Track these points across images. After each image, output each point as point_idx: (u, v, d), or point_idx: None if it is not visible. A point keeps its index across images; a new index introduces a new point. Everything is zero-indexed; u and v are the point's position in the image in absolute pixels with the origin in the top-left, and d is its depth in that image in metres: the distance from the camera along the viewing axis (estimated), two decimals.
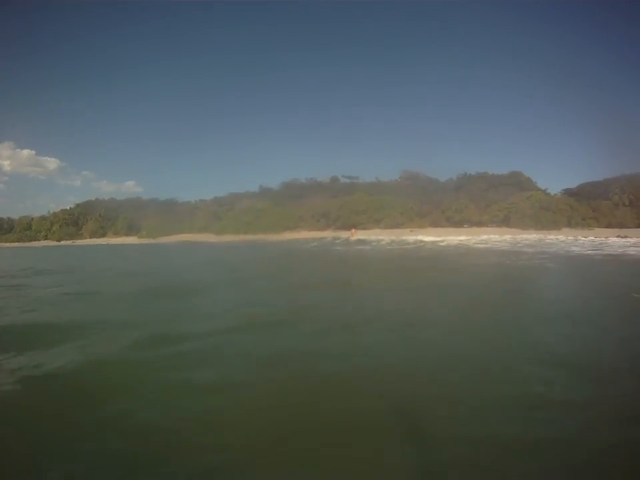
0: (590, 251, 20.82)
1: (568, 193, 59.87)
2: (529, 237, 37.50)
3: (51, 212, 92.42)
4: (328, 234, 57.05)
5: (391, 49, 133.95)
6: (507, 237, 38.58)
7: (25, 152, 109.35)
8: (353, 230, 56.17)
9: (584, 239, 35.27)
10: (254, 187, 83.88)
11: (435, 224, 57.68)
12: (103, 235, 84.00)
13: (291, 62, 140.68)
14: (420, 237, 40.84)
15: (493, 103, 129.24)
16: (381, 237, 42.65)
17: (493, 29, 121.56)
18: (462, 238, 37.51)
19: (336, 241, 40.12)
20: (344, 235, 52.33)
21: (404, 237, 41.71)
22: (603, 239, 34.09)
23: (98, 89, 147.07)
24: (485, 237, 39.43)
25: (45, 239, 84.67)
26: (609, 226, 48.42)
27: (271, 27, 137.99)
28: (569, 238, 36.64)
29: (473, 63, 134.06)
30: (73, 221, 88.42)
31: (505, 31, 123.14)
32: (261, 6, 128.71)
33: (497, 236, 40.53)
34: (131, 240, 75.45)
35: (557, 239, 35.36)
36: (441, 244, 31.36)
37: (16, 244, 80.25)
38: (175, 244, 55.93)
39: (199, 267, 18.17)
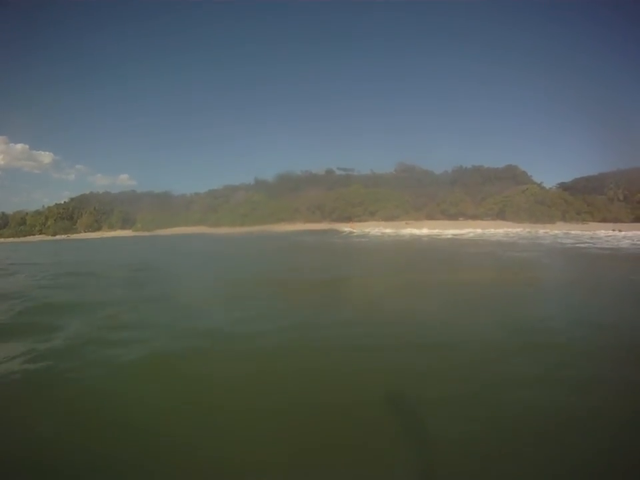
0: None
1: (563, 187, 59.91)
2: (520, 232, 38.01)
3: (46, 206, 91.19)
4: (324, 226, 56.98)
5: (389, 43, 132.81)
6: (502, 230, 39.36)
7: (19, 146, 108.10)
8: (352, 223, 56.32)
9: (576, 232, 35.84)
10: (249, 180, 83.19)
11: (430, 217, 57.73)
12: (98, 229, 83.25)
13: (286, 55, 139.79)
14: (419, 230, 41.81)
15: (489, 97, 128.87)
16: (385, 231, 43.54)
17: (490, 24, 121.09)
18: (463, 231, 38.42)
19: (335, 235, 40.27)
20: (339, 226, 52.36)
21: (402, 230, 42.60)
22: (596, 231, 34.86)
23: (92, 84, 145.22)
24: (479, 230, 39.85)
25: (40, 234, 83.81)
26: (603, 220, 48.46)
27: (267, 21, 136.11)
28: (564, 231, 37.29)
29: (471, 57, 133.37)
30: (68, 215, 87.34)
31: (502, 26, 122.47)
32: None
33: (492, 229, 41.08)
34: (126, 233, 74.94)
35: (548, 232, 35.87)
36: (439, 237, 32.59)
37: (10, 239, 79.47)
38: (172, 236, 55.70)
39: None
